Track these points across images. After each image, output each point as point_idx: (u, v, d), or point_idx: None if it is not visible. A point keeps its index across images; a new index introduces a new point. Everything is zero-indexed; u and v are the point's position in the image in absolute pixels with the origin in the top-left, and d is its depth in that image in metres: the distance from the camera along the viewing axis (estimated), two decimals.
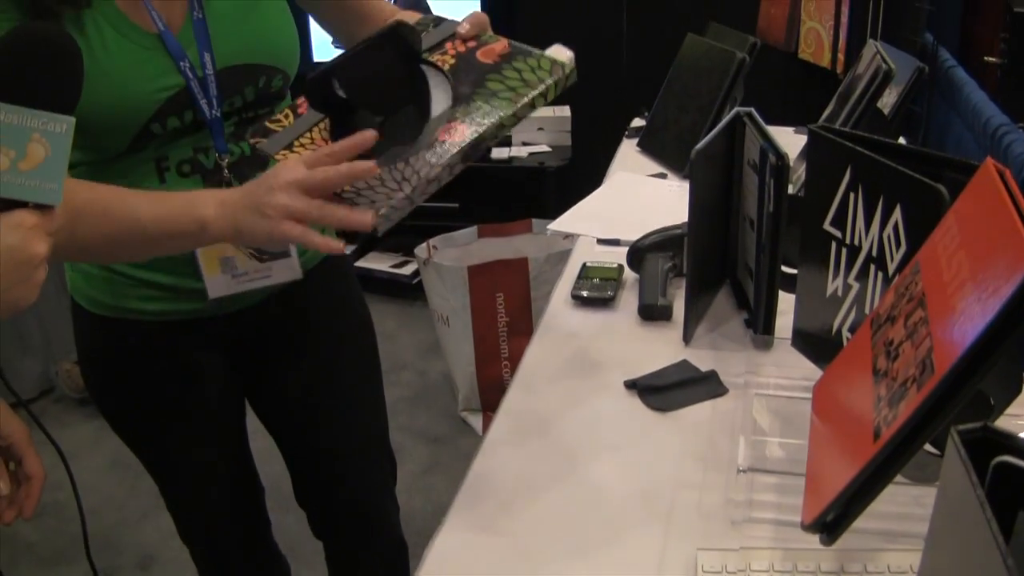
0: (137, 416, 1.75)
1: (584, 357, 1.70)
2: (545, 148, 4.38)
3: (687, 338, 1.71)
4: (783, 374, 1.56)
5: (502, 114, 1.33)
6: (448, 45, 1.44)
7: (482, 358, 3.40)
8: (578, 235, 2.21)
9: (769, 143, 1.59)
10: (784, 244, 1.61)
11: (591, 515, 1.33)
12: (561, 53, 1.48)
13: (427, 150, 1.31)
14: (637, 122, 3.05)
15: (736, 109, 1.75)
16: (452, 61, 1.42)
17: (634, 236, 2.04)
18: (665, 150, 2.66)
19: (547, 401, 1.58)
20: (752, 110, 1.73)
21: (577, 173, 4.23)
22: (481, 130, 1.31)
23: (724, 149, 1.75)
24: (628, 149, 2.80)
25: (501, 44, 1.43)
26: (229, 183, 1.56)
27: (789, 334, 1.62)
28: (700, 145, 1.61)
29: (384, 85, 1.40)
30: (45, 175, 1.09)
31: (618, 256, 1.99)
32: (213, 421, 1.78)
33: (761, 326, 1.68)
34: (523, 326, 3.35)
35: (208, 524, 1.89)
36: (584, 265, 1.95)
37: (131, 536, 3.18)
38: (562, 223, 2.27)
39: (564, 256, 3.29)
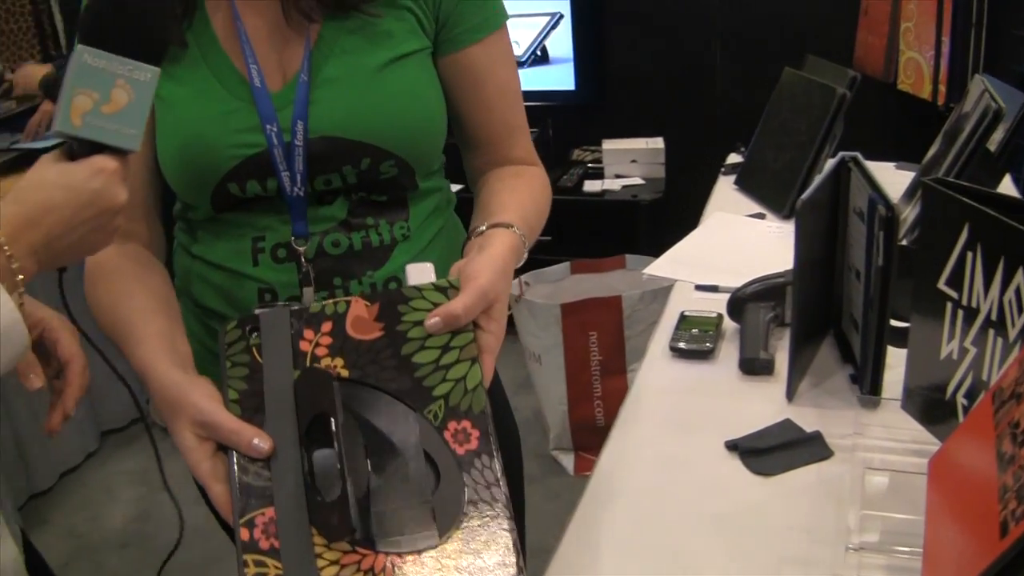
0: None
1: (682, 413, 1.64)
2: (638, 180, 4.32)
3: (790, 395, 1.64)
4: (891, 436, 1.49)
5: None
6: (306, 337, 1.22)
7: (574, 397, 3.35)
8: (675, 280, 2.15)
9: (878, 193, 1.52)
10: (894, 296, 1.54)
11: None
12: (424, 273, 1.29)
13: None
14: (733, 158, 2.98)
15: (841, 154, 1.68)
16: (333, 363, 1.21)
17: (733, 282, 1.97)
18: (763, 189, 2.59)
19: (645, 462, 1.53)
20: (858, 155, 1.66)
21: (670, 206, 4.18)
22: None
23: (829, 195, 1.68)
24: (725, 186, 2.74)
25: (358, 305, 1.23)
26: (307, 278, 1.43)
27: (897, 392, 1.55)
28: (806, 195, 1.54)
29: None
30: (126, 120, 1.11)
31: (717, 303, 1.92)
32: None
33: (869, 385, 1.60)
34: (616, 365, 3.30)
35: None
36: (682, 315, 1.89)
37: (218, 570, 3.16)
38: (659, 267, 2.21)
39: (658, 295, 3.25)
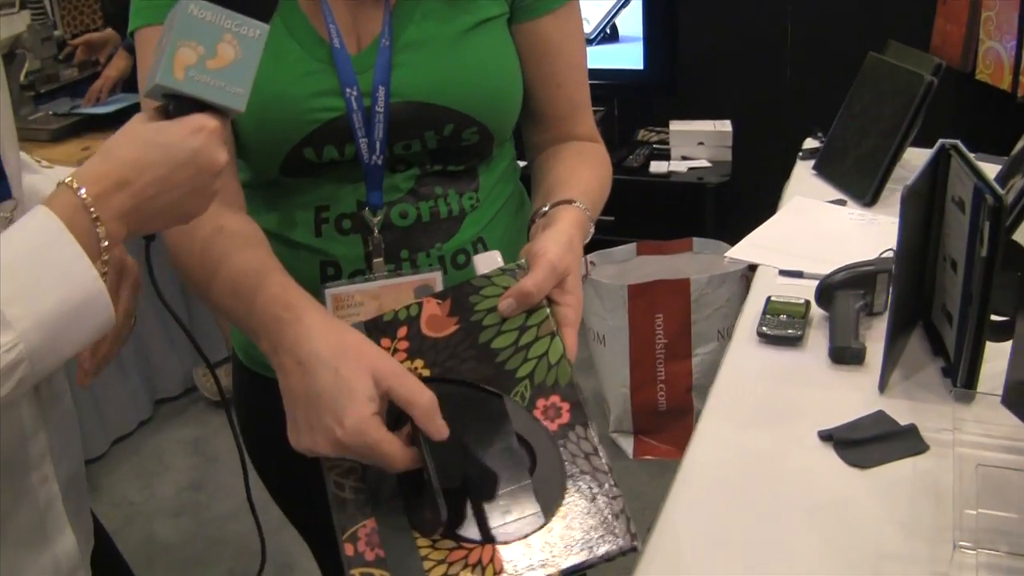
0: (288, 488, 1.67)
1: (773, 401, 1.60)
2: (705, 163, 4.27)
3: (882, 386, 1.60)
4: (988, 432, 1.44)
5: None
6: (383, 345, 1.19)
7: (638, 381, 3.31)
8: (758, 264, 2.11)
9: (984, 182, 1.47)
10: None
11: None
12: (492, 261, 1.27)
13: None
14: (810, 143, 2.93)
15: (941, 141, 1.64)
16: (413, 364, 1.19)
17: (817, 268, 1.94)
18: (844, 176, 2.53)
19: (736, 451, 1.49)
20: (958, 143, 1.62)
21: (737, 190, 4.13)
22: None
23: (928, 184, 1.64)
24: (803, 172, 2.68)
25: (430, 304, 1.22)
26: (378, 250, 1.38)
27: (991, 386, 1.50)
28: (910, 183, 1.50)
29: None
30: (232, 78, 1.05)
31: (801, 290, 1.88)
32: None
33: (964, 378, 1.56)
34: (682, 349, 3.26)
35: None
36: (769, 299, 1.85)
37: (269, 542, 3.12)
38: (740, 251, 2.17)
39: (727, 279, 3.22)
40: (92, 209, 0.98)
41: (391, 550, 1.08)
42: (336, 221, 1.39)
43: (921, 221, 1.66)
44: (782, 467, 1.45)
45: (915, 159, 2.48)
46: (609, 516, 1.07)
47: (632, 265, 3.47)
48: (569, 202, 1.33)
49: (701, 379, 3.31)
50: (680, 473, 1.45)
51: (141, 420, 3.91)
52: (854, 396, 1.59)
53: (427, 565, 1.07)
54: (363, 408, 1.06)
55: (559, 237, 1.24)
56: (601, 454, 1.11)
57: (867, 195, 2.39)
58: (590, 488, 1.09)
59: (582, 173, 1.43)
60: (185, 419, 3.96)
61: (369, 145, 1.33)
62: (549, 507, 1.08)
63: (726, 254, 2.18)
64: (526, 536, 1.07)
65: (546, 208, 1.34)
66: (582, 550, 1.05)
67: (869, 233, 2.21)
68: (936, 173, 1.65)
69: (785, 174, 2.75)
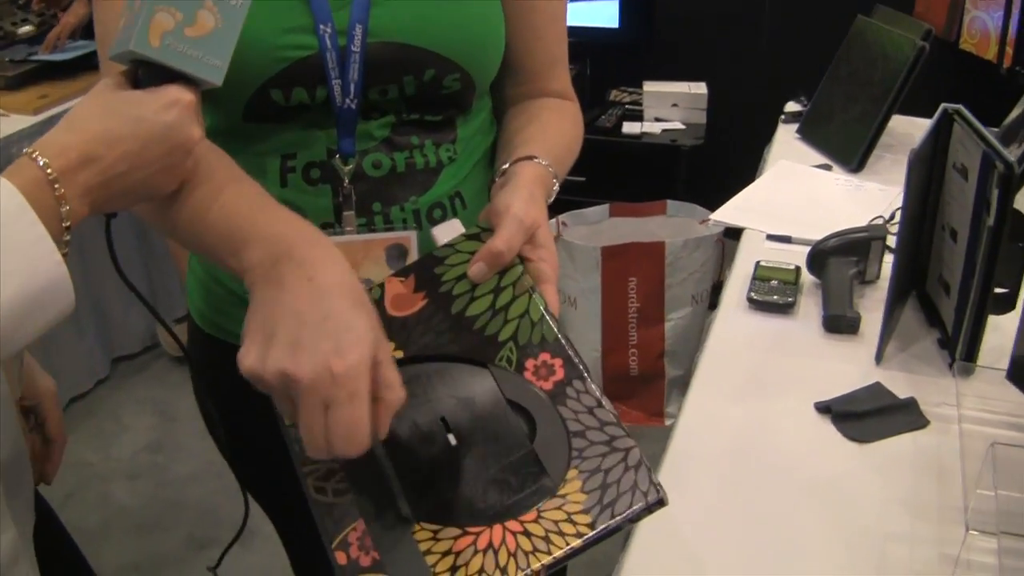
0: (246, 455, 1.50)
1: (764, 371, 1.54)
2: (679, 125, 4.20)
3: (879, 357, 1.55)
4: (989, 407, 1.40)
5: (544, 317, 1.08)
6: None
7: (609, 345, 3.25)
8: (741, 228, 2.04)
9: (993, 149, 1.41)
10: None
11: (791, 567, 1.18)
12: (452, 229, 1.18)
13: None
14: (792, 106, 2.86)
15: (943, 106, 1.58)
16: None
17: (805, 233, 1.88)
18: (830, 140, 2.47)
19: (729, 422, 1.43)
20: (961, 108, 1.56)
21: (711, 154, 4.07)
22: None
23: (930, 150, 1.58)
24: (786, 135, 2.62)
25: (392, 284, 1.12)
26: (349, 202, 1.28)
27: (990, 360, 1.46)
28: (916, 148, 1.44)
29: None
30: (211, 48, 0.97)
31: (790, 255, 1.83)
32: None
33: (964, 351, 1.51)
34: (654, 314, 3.19)
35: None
36: (758, 264, 1.79)
37: (230, 506, 3.07)
38: (725, 214, 2.11)
39: (702, 243, 3.15)
40: (57, 185, 0.89)
41: (387, 551, 0.98)
42: (304, 170, 1.28)
43: (922, 188, 1.60)
44: (778, 440, 1.39)
45: (900, 126, 2.44)
46: (627, 471, 0.97)
47: (605, 227, 3.40)
48: (530, 158, 1.24)
49: (674, 344, 3.25)
50: (670, 446, 1.39)
51: (98, 379, 3.78)
52: (849, 367, 1.54)
53: (431, 560, 0.97)
54: (368, 352, 0.95)
55: (519, 192, 1.16)
56: (605, 404, 1.02)
57: (854, 161, 2.33)
58: (600, 443, 1.00)
59: (549, 131, 1.35)
60: (144, 377, 3.85)
61: (343, 88, 1.23)
62: (558, 472, 0.99)
63: (710, 216, 2.12)
64: (538, 508, 0.97)
65: (506, 166, 1.25)
66: (603, 512, 0.95)
67: (856, 199, 2.16)
68: (937, 139, 1.59)
69: (761, 138, 2.70)
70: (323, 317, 0.95)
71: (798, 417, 1.43)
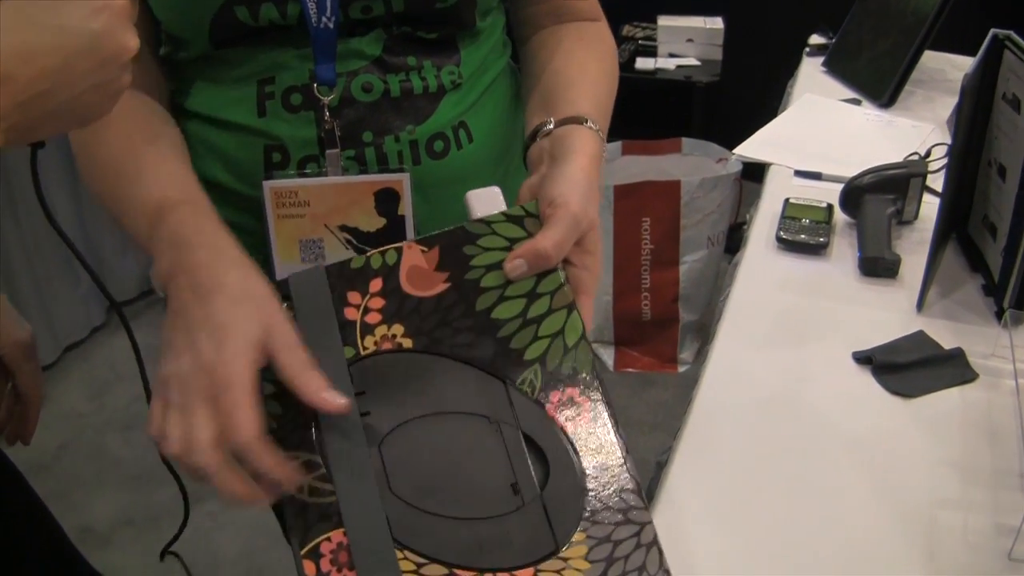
0: None
1: (797, 316, 1.42)
2: (694, 61, 4.05)
3: (921, 304, 1.42)
4: None
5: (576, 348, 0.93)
6: (351, 301, 0.95)
7: (621, 288, 3.13)
8: (769, 164, 1.91)
9: None
10: None
11: (831, 534, 1.06)
12: (491, 201, 1.02)
13: None
14: (816, 39, 2.73)
15: (993, 31, 1.45)
16: (391, 332, 0.93)
17: (836, 170, 1.76)
18: (859, 75, 2.33)
19: (760, 373, 1.31)
20: (1012, 34, 1.43)
21: (726, 91, 3.93)
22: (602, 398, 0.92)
23: (978, 81, 1.45)
24: (811, 69, 2.48)
25: (412, 252, 0.96)
26: (332, 138, 1.13)
27: None
28: (970, 74, 1.30)
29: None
30: None
31: (821, 192, 1.70)
32: None
33: (1014, 298, 1.38)
34: (668, 256, 3.07)
35: None
36: (787, 201, 1.66)
37: None
38: (749, 148, 1.98)
39: (719, 183, 3.02)
40: None
41: (366, 573, 0.85)
42: (283, 96, 1.14)
43: (972, 119, 1.47)
44: (813, 394, 1.27)
45: (930, 62, 2.30)
46: (638, 548, 0.85)
47: (617, 165, 3.27)
48: (580, 121, 1.07)
49: (689, 288, 3.13)
50: (695, 400, 1.26)
51: (94, 327, 3.67)
52: (888, 314, 1.42)
53: None
54: (247, 347, 0.85)
55: (578, 180, 0.99)
56: (628, 466, 0.89)
57: (884, 95, 2.20)
58: (616, 510, 0.87)
59: (592, 74, 1.19)
60: (140, 324, 3.69)
61: (319, 3, 1.08)
62: (565, 531, 0.86)
63: (735, 151, 1.98)
64: (536, 565, 0.85)
65: (550, 126, 1.08)
66: None
67: (888, 136, 2.03)
68: (986, 68, 1.46)
69: (778, 77, 2.56)
70: (205, 317, 0.88)
71: (835, 368, 1.31)
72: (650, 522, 0.86)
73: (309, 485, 0.87)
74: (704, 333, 3.29)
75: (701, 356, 3.26)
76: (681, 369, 3.24)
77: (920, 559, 1.02)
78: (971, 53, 1.60)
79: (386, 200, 1.11)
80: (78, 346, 3.59)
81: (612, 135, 3.19)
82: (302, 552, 0.85)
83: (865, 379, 1.28)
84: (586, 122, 1.06)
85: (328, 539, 0.85)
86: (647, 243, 3.07)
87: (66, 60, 0.77)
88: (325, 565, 0.84)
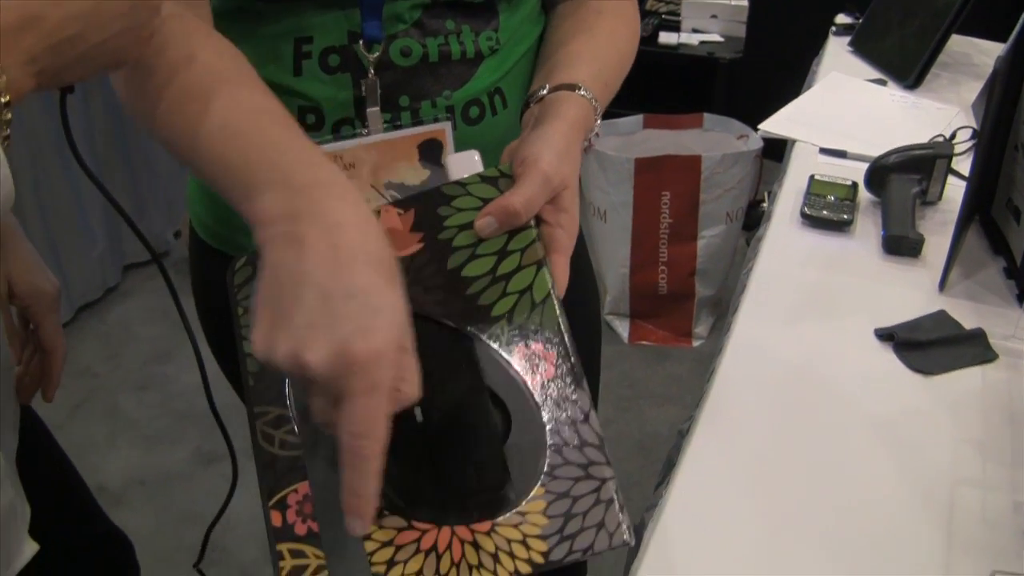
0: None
1: (820, 293, 1.42)
2: (717, 38, 4.03)
3: (943, 284, 1.43)
4: None
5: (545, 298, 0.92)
6: None
7: (638, 261, 3.13)
8: (794, 140, 1.91)
9: None
10: None
11: (849, 507, 1.07)
12: (468, 164, 1.01)
13: None
14: (843, 18, 2.72)
15: None
16: None
17: (861, 149, 1.76)
18: (886, 55, 2.33)
19: (782, 348, 1.31)
20: None
21: (749, 68, 3.92)
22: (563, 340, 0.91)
23: (1012, 61, 1.45)
24: (838, 48, 2.47)
25: (389, 214, 0.95)
26: (373, 95, 1.10)
27: None
28: (1006, 51, 1.31)
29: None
30: None
31: (845, 171, 1.70)
32: None
33: None
34: (687, 231, 3.07)
35: None
36: (812, 178, 1.66)
37: (240, 420, 2.97)
38: (775, 124, 1.98)
39: (740, 159, 3.02)
40: None
41: (326, 526, 0.85)
42: (321, 56, 1.11)
43: (1003, 100, 1.47)
44: (835, 370, 1.27)
45: (956, 46, 2.29)
46: (597, 504, 0.84)
47: (638, 138, 3.26)
48: (573, 87, 1.06)
49: (706, 263, 3.13)
50: (716, 375, 1.27)
51: (108, 287, 3.66)
52: (911, 292, 1.42)
53: (370, 547, 0.84)
54: (396, 339, 0.79)
55: (554, 140, 0.98)
56: (592, 421, 0.88)
57: (911, 77, 2.19)
58: (576, 465, 0.86)
59: (598, 45, 1.17)
60: (156, 285, 3.69)
61: None
62: (524, 486, 0.85)
63: (760, 127, 1.99)
64: (493, 519, 0.84)
65: (543, 92, 1.08)
66: (561, 543, 0.83)
67: (914, 117, 2.03)
68: (1017, 50, 1.45)
69: (801, 55, 2.56)
70: (347, 295, 0.79)
71: (856, 344, 1.31)
72: (612, 478, 0.85)
73: (280, 438, 0.88)
74: (720, 309, 3.29)
75: (716, 331, 3.27)
76: (695, 343, 3.25)
77: (938, 535, 1.02)
78: (997, 39, 1.59)
79: (431, 151, 1.11)
80: (92, 306, 3.59)
81: (633, 108, 3.19)
82: (270, 503, 0.87)
83: (886, 356, 1.29)
84: (578, 89, 1.06)
85: (295, 491, 0.87)
86: (666, 217, 3.07)
87: (96, 3, 0.76)
88: (291, 516, 0.86)
